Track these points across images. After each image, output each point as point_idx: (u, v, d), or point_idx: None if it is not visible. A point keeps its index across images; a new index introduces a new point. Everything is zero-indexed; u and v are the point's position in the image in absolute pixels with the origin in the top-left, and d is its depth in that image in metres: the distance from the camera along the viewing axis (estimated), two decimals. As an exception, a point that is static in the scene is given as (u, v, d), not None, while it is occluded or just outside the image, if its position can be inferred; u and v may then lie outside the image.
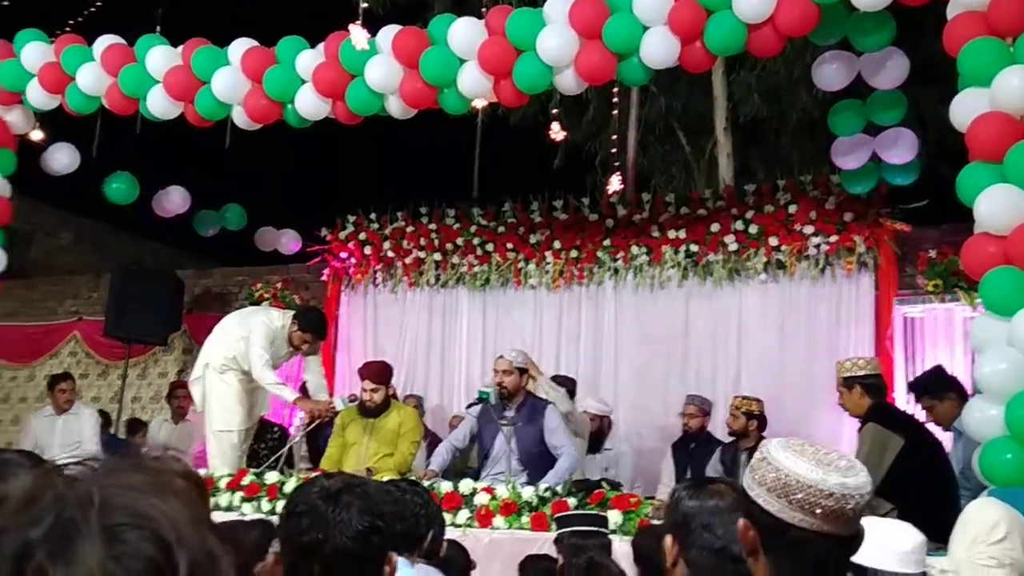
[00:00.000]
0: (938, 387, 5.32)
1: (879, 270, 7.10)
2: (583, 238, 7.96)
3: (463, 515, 4.89)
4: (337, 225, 8.79)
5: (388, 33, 5.78)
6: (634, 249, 7.76)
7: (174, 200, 8.88)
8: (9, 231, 7.35)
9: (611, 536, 4.03)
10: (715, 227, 7.51)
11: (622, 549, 3.74)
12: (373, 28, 5.72)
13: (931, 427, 5.27)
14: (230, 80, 6.18)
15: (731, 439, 6.32)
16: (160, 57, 6.33)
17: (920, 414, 5.44)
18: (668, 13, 5.14)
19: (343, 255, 8.71)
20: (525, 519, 4.85)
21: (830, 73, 6.08)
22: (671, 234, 7.66)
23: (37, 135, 7.30)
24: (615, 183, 6.80)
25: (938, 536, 3.34)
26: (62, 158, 7.54)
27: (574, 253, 7.97)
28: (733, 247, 7.45)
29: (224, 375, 6.04)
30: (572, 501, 4.83)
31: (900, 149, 6.40)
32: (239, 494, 5.43)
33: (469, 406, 6.30)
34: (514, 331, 8.02)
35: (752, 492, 1.60)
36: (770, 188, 7.58)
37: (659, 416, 7.43)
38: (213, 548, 0.79)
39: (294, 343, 6.19)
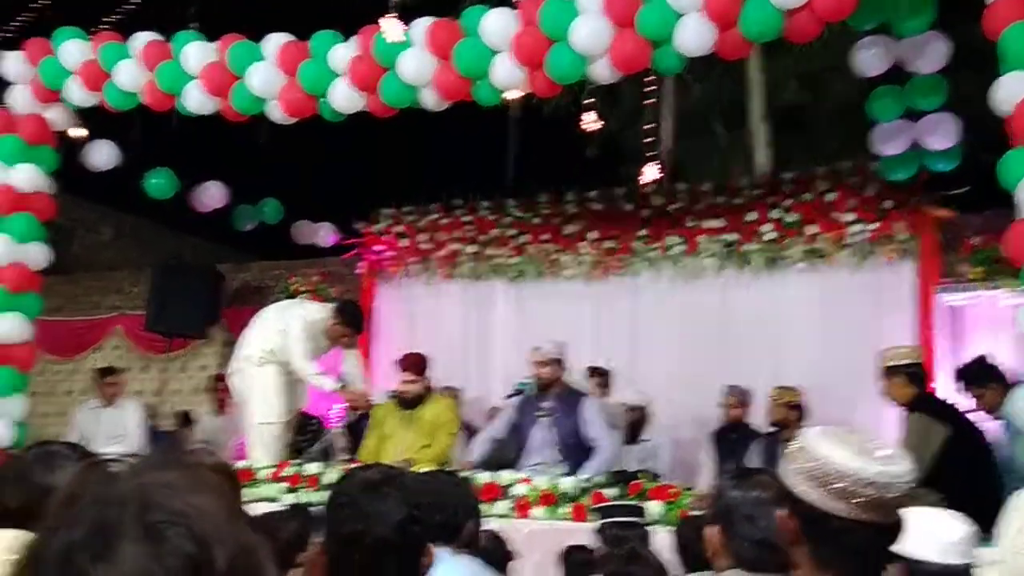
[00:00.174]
0: (981, 377, 5.25)
1: (920, 258, 7.00)
2: (619, 228, 7.92)
3: (502, 506, 4.90)
4: (372, 218, 8.83)
5: (421, 25, 5.78)
6: (670, 239, 7.71)
7: (212, 195, 8.96)
8: (52, 227, 7.47)
9: (651, 526, 4.02)
10: (752, 216, 7.44)
11: (663, 539, 3.73)
12: (406, 20, 5.73)
13: (979, 416, 5.20)
14: (265, 75, 6.23)
15: (771, 430, 6.27)
16: (196, 53, 6.39)
17: (965, 403, 5.37)
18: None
19: (378, 248, 8.74)
20: (564, 510, 4.85)
21: (869, 58, 5.99)
22: (707, 224, 7.60)
23: (77, 132, 7.40)
24: (650, 173, 6.76)
25: (985, 526, 3.29)
26: (102, 154, 7.64)
27: (609, 244, 7.94)
28: (771, 236, 7.37)
29: (263, 368, 6.10)
30: (611, 492, 4.82)
31: (941, 135, 6.29)
32: (281, 485, 5.49)
33: (507, 397, 6.31)
34: (550, 322, 7.98)
35: (790, 481, 1.58)
36: (808, 176, 7.49)
37: (696, 407, 7.36)
38: (250, 541, 0.80)
39: (332, 336, 6.24)
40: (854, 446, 1.54)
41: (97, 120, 7.35)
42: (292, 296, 8.37)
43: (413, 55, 5.75)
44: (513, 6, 5.65)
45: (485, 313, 8.44)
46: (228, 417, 7.90)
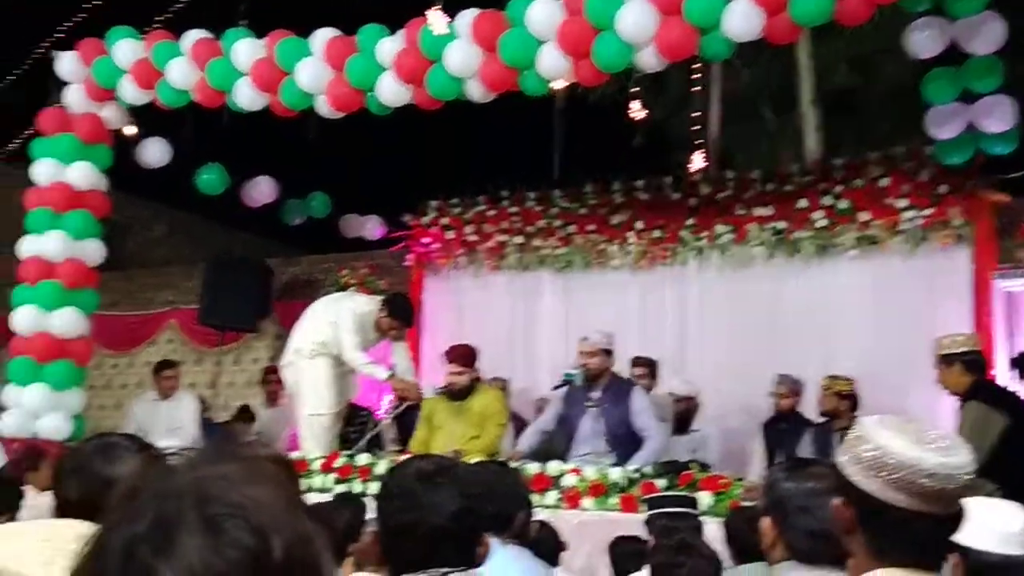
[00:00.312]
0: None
1: (976, 243, 6.85)
2: (666, 218, 7.86)
3: (551, 496, 4.90)
4: (420, 210, 8.87)
5: (467, 17, 5.79)
6: (718, 227, 7.63)
7: (262, 190, 9.07)
8: (107, 224, 7.62)
9: (702, 517, 3.99)
10: (802, 203, 7.33)
11: (712, 531, 3.70)
12: (451, 12, 5.75)
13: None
14: (313, 70, 6.29)
15: (822, 420, 6.19)
16: (246, 49, 6.47)
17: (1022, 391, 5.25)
18: (751, -16, 5.03)
19: (426, 240, 8.79)
20: (613, 500, 4.84)
21: (923, 39, 5.87)
22: (757, 211, 7.51)
23: (130, 130, 7.54)
24: (698, 161, 6.70)
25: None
26: (155, 152, 7.77)
27: (657, 233, 7.88)
28: (822, 223, 7.26)
29: (314, 360, 6.18)
30: (661, 483, 4.80)
31: (998, 117, 6.14)
32: (332, 476, 5.55)
33: (554, 388, 6.31)
34: (597, 313, 7.96)
35: (847, 470, 1.56)
36: (860, 161, 7.36)
37: (746, 396, 7.29)
38: (307, 530, 0.81)
39: (382, 328, 6.30)
40: (912, 435, 1.52)
41: (149, 118, 7.48)
42: (342, 289, 8.45)
43: (459, 47, 5.77)
44: (558, -5, 5.63)
45: (532, 304, 8.44)
46: (281, 409, 8.00)
